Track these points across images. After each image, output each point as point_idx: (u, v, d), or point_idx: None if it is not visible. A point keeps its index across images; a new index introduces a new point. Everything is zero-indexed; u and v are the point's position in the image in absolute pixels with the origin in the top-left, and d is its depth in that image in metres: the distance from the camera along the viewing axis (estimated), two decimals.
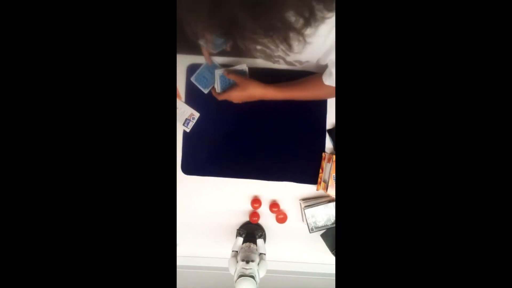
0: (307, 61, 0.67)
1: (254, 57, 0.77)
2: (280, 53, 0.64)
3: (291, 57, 0.65)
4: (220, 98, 0.70)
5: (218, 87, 0.73)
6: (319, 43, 0.54)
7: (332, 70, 0.61)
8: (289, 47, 0.40)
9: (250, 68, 0.75)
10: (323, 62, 0.67)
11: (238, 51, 0.81)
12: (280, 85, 0.69)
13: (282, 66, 0.76)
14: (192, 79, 0.74)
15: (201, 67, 0.74)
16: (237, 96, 0.68)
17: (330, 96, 0.73)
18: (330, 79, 0.64)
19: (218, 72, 0.72)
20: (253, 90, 0.67)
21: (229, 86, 0.72)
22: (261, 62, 0.77)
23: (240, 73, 0.73)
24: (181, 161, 0.76)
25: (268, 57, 0.72)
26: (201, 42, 0.61)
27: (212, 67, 0.74)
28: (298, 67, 0.74)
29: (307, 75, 0.71)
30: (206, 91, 0.75)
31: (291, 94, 0.70)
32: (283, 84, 0.70)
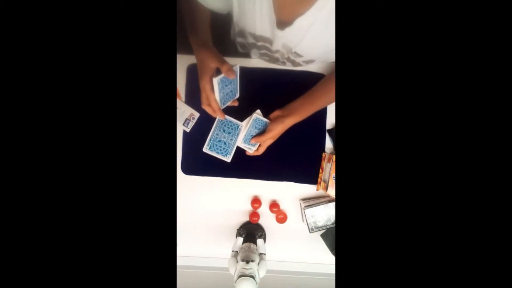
0: (314, 60, 0.66)
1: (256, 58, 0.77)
2: (292, 56, 0.63)
3: (301, 59, 0.64)
4: (261, 152, 0.67)
5: (251, 150, 0.67)
6: (326, 37, 0.53)
7: None
8: None
9: (248, 68, 0.75)
10: (332, 59, 0.66)
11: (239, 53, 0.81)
12: (301, 105, 0.66)
13: (283, 66, 0.76)
14: (205, 149, 0.62)
15: (212, 130, 0.61)
16: (273, 141, 0.66)
17: None
18: None
19: (243, 145, 0.64)
20: (283, 129, 0.65)
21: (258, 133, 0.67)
22: (259, 62, 0.77)
23: (261, 126, 0.65)
24: (181, 161, 0.76)
25: (274, 60, 0.71)
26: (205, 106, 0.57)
27: (227, 124, 0.62)
28: (301, 67, 0.74)
29: (308, 75, 0.70)
30: (229, 159, 0.64)
31: (315, 107, 0.67)
32: (303, 100, 0.66)
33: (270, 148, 0.76)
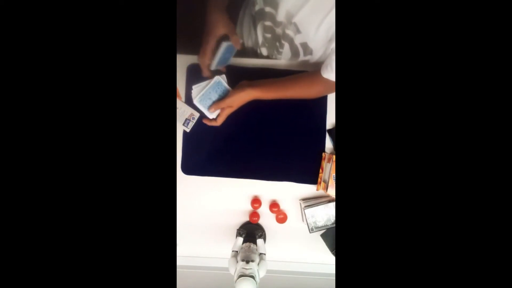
0: (312, 50, 0.66)
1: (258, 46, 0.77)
2: (291, 31, 0.63)
3: (299, 39, 0.64)
4: (220, 122, 0.67)
5: (211, 116, 0.68)
6: (323, 14, 0.54)
7: (333, 56, 0.59)
8: None
9: (249, 68, 0.75)
10: (327, 52, 0.66)
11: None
12: (270, 84, 0.66)
13: (278, 65, 0.76)
14: (196, 101, 0.66)
15: (206, 88, 0.65)
16: (232, 110, 0.66)
17: (326, 93, 0.71)
18: (329, 71, 0.61)
19: (199, 104, 0.67)
20: (244, 99, 0.65)
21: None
22: (257, 62, 0.77)
23: (222, 93, 0.67)
24: (181, 161, 0.76)
25: (273, 43, 0.71)
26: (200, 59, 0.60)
27: (219, 86, 0.66)
28: (296, 65, 0.74)
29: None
30: (211, 116, 0.67)
31: (283, 92, 0.67)
32: (274, 82, 0.67)
33: (270, 148, 0.76)
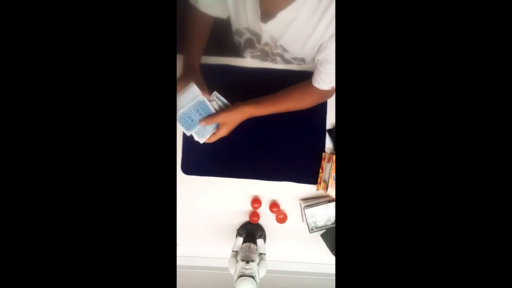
0: (303, 59, 0.67)
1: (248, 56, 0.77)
2: (279, 50, 0.64)
3: (288, 55, 0.65)
4: (212, 140, 0.65)
5: (201, 139, 0.64)
6: (307, 34, 0.55)
7: (321, 68, 0.59)
8: None
9: (243, 69, 0.75)
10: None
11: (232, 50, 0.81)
12: (264, 100, 0.67)
13: (278, 66, 0.76)
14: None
15: (191, 104, 0.59)
16: (227, 131, 0.64)
17: (319, 102, 0.71)
18: (319, 82, 0.62)
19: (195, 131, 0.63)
20: (239, 117, 0.64)
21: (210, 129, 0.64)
22: (256, 63, 0.77)
23: (203, 113, 0.63)
24: (181, 161, 0.76)
25: (265, 56, 0.72)
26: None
27: (202, 107, 0.60)
28: (294, 66, 0.74)
29: (302, 74, 0.71)
30: (188, 133, 0.62)
31: (278, 107, 0.67)
32: (267, 98, 0.67)
33: (270, 148, 0.76)
